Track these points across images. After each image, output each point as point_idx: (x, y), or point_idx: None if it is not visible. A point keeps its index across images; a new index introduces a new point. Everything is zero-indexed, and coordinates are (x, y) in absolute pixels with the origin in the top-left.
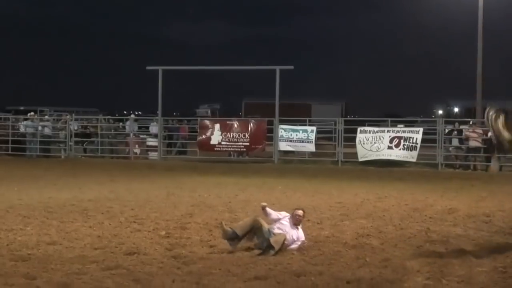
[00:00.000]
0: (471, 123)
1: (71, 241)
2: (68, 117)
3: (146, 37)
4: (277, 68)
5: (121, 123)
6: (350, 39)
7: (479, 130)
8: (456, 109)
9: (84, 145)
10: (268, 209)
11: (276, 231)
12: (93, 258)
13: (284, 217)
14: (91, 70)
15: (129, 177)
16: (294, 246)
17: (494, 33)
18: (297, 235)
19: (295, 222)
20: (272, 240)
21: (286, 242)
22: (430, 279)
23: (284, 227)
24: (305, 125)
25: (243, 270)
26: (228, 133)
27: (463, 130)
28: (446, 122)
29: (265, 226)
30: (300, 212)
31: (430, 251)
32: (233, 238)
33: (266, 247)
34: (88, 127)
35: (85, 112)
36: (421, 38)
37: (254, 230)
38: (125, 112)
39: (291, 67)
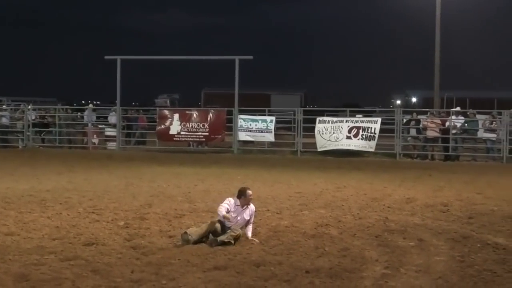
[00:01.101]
0: (428, 113)
1: (29, 232)
2: (26, 107)
3: (104, 26)
4: (237, 58)
5: (79, 113)
6: (310, 29)
7: (437, 120)
8: (414, 99)
9: (42, 135)
10: (226, 214)
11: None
12: (51, 248)
13: (234, 204)
14: (48, 59)
15: (88, 167)
16: (249, 228)
17: (452, 23)
18: (250, 213)
19: (245, 203)
20: (226, 236)
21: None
22: (388, 268)
23: (237, 213)
24: (265, 115)
25: (203, 260)
26: (187, 123)
27: (421, 120)
28: (404, 112)
29: (219, 227)
30: (250, 192)
31: (388, 241)
32: (188, 241)
33: (223, 243)
34: (46, 117)
35: (43, 102)
36: (379, 29)
37: (211, 233)
38: (83, 102)
39: (251, 57)
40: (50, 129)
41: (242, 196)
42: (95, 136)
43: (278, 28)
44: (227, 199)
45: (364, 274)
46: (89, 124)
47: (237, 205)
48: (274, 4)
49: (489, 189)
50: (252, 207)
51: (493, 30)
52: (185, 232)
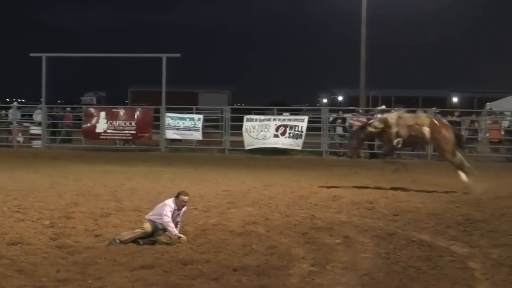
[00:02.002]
0: (354, 112)
1: None
2: None
3: (29, 22)
4: (164, 56)
5: (3, 111)
6: (239, 28)
7: (363, 119)
8: (340, 98)
9: None
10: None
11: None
12: None
13: (171, 209)
14: None
15: (12, 166)
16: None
17: (377, 22)
18: (182, 214)
19: (181, 207)
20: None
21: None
22: (315, 265)
23: (174, 217)
24: (192, 113)
25: (129, 259)
26: (114, 121)
27: (347, 118)
28: (331, 111)
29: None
30: (186, 198)
31: (315, 238)
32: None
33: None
34: None
35: None
36: (306, 27)
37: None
38: (7, 99)
39: (178, 55)
40: None
41: (177, 198)
42: (20, 134)
43: (206, 26)
44: (168, 206)
45: (291, 272)
46: (14, 122)
47: (175, 209)
48: (203, 2)
49: (413, 187)
50: (185, 209)
51: (418, 29)
52: (114, 239)
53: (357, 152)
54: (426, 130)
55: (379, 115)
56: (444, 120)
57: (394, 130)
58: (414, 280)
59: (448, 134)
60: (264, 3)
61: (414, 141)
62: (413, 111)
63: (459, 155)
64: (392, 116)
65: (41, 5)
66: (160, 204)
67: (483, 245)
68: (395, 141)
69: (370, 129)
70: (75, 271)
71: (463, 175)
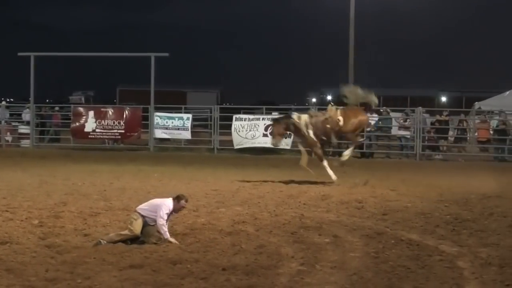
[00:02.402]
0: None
1: None
2: None
3: (17, 21)
4: (152, 55)
5: None
6: (228, 27)
7: None
8: (329, 97)
9: None
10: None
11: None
12: None
13: (169, 211)
14: None
15: (1, 165)
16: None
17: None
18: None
19: (177, 211)
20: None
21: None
22: (304, 265)
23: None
24: (181, 112)
25: (118, 258)
26: (103, 121)
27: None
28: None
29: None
30: (186, 204)
31: (304, 237)
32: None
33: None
34: None
35: None
36: (295, 26)
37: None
38: None
39: (166, 54)
40: None
41: (178, 201)
42: (8, 133)
43: (194, 25)
44: (166, 207)
45: (280, 271)
46: (2, 122)
47: (172, 211)
48: (190, 1)
49: (402, 186)
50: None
51: (405, 28)
52: (100, 241)
53: (280, 139)
54: (340, 118)
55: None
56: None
57: (310, 130)
58: (403, 279)
59: (354, 119)
60: (252, 1)
61: (330, 133)
62: (402, 111)
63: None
64: (304, 118)
65: (29, 4)
66: (157, 201)
67: (472, 244)
68: (311, 140)
69: (290, 121)
70: (64, 270)
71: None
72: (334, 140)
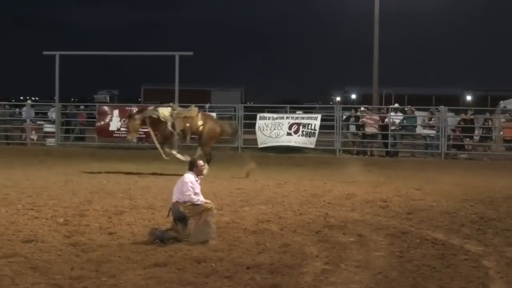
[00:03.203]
0: (362, 108)
1: None
2: None
3: (42, 21)
4: (177, 54)
5: (17, 109)
6: (250, 25)
7: (376, 117)
8: (353, 96)
9: None
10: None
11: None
12: None
13: (193, 182)
14: None
15: (26, 163)
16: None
17: (390, 19)
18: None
19: (200, 173)
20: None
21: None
22: (328, 264)
23: (198, 188)
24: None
25: (143, 257)
26: (127, 119)
27: (360, 116)
28: (344, 109)
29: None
30: (202, 162)
31: (328, 236)
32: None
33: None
34: None
35: None
36: (319, 25)
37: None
38: (21, 98)
39: (191, 53)
40: None
41: (193, 167)
42: (33, 132)
43: (218, 24)
44: (189, 182)
45: (304, 270)
46: (28, 121)
47: (196, 180)
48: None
49: (427, 185)
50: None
51: (430, 28)
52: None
53: (135, 135)
54: (200, 122)
55: (392, 114)
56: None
57: (169, 122)
58: (428, 279)
59: (216, 127)
60: (277, 1)
61: (187, 133)
62: (427, 110)
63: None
64: (167, 110)
65: (54, 4)
66: (178, 184)
67: (497, 243)
68: (169, 132)
69: (146, 115)
70: (89, 268)
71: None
72: (188, 140)
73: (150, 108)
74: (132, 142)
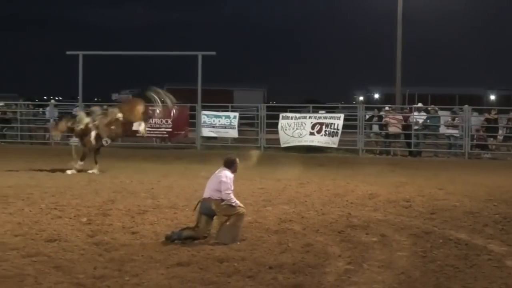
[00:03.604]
0: (386, 108)
1: None
2: None
3: (65, 21)
4: (199, 54)
5: (41, 109)
6: (273, 25)
7: (399, 116)
8: (376, 95)
9: (4, 131)
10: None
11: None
12: (14, 245)
13: (231, 179)
14: (10, 55)
15: (50, 163)
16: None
17: (413, 19)
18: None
19: (236, 170)
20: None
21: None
22: (351, 264)
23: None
24: (228, 111)
25: (166, 256)
26: (150, 119)
27: (383, 116)
28: (367, 108)
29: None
30: (238, 159)
31: (351, 236)
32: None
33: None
34: (7, 112)
35: (4, 97)
36: (342, 24)
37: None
38: (45, 97)
39: (213, 53)
40: (11, 125)
41: (232, 166)
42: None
43: (240, 24)
44: (227, 178)
45: (327, 270)
46: (51, 120)
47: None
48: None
49: (451, 185)
50: None
51: (454, 26)
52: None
53: (59, 135)
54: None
55: (415, 113)
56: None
57: (93, 133)
58: (451, 279)
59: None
60: (300, 1)
61: (117, 134)
62: (450, 109)
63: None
64: (88, 121)
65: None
66: (216, 180)
67: None
68: (93, 142)
69: (68, 123)
70: (112, 268)
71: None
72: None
73: (80, 112)
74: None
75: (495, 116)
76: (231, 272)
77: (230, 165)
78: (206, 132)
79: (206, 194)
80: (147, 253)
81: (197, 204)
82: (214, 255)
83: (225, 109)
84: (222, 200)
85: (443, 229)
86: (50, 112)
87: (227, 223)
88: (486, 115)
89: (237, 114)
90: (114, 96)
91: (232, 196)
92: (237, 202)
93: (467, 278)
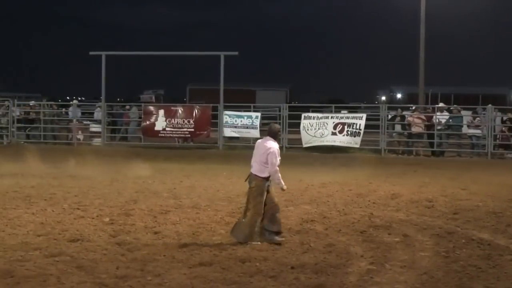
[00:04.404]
0: (413, 107)
1: (13, 228)
2: (9, 102)
3: (88, 21)
4: (222, 54)
5: (64, 109)
6: (295, 25)
7: (422, 116)
8: (399, 95)
9: (27, 131)
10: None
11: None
12: (36, 245)
13: (279, 151)
14: (33, 55)
15: (72, 163)
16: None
17: (436, 19)
18: None
19: (279, 141)
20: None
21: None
22: (373, 264)
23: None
24: (250, 111)
25: (188, 256)
26: (173, 119)
27: (406, 116)
28: (389, 108)
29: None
30: (279, 127)
31: (373, 236)
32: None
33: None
34: (30, 113)
35: (28, 97)
36: (364, 24)
37: None
38: (68, 98)
39: (236, 53)
40: (35, 125)
41: (277, 136)
42: (80, 132)
43: (262, 24)
44: (276, 150)
45: (349, 270)
46: (74, 120)
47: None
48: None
49: (473, 185)
50: None
51: (477, 26)
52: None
53: None
54: None
55: (438, 113)
56: None
57: None
58: (474, 279)
59: None
60: (322, 1)
61: None
62: (473, 109)
63: None
64: None
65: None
66: (263, 150)
67: None
68: None
69: None
70: (134, 268)
71: None
72: None
73: None
74: None
75: None
76: (253, 272)
77: (275, 135)
78: (228, 132)
79: (253, 169)
80: (169, 253)
81: (247, 177)
82: (236, 255)
83: (247, 109)
84: (266, 179)
85: (465, 229)
86: (73, 112)
87: (243, 219)
88: (509, 115)
89: (259, 114)
90: (143, 98)
91: (279, 175)
92: (283, 183)
93: (489, 278)
